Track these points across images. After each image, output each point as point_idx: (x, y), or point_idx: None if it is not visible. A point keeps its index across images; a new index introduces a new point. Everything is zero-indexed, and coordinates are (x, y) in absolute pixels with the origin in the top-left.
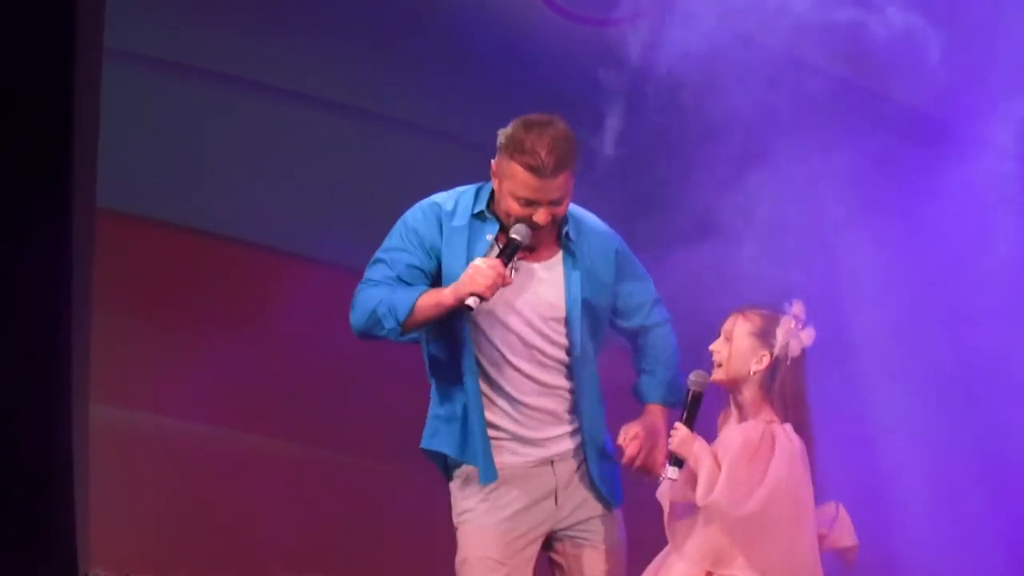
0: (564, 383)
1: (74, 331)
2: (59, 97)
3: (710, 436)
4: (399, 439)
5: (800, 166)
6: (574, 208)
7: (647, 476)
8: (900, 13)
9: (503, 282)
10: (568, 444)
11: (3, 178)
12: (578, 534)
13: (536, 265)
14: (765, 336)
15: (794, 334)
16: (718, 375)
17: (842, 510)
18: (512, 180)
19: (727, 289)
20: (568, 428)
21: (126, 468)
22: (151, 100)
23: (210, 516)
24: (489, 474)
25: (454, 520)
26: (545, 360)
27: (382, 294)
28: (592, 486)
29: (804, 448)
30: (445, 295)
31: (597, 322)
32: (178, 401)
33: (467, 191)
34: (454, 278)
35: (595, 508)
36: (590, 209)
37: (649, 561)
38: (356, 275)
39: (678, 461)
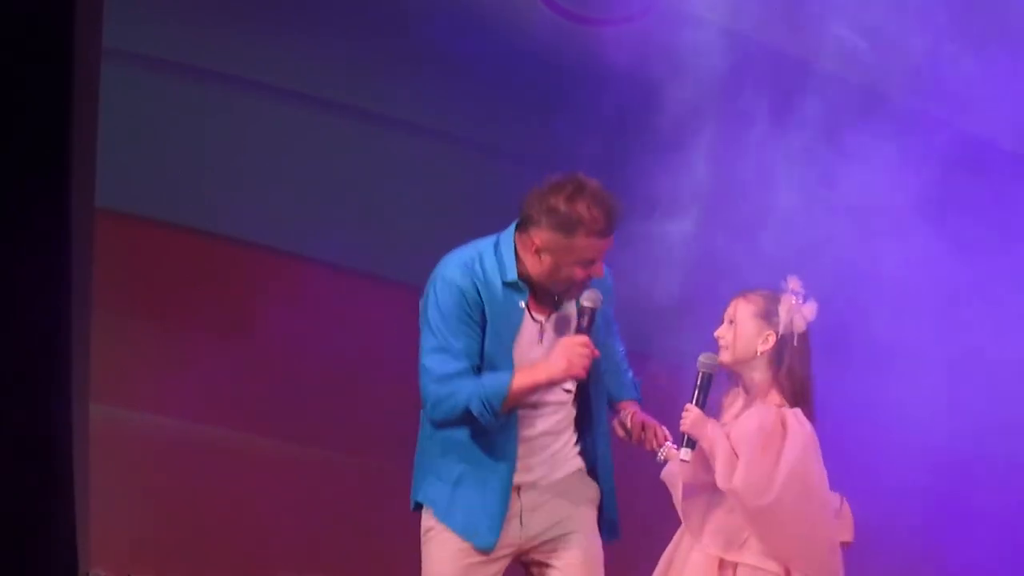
0: (565, 421)
1: (74, 331)
2: (58, 97)
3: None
4: (399, 439)
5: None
6: None
7: (654, 446)
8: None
9: (595, 356)
10: (539, 474)
11: (2, 178)
12: (549, 557)
13: (545, 320)
14: (768, 316)
15: (796, 309)
16: (725, 358)
17: (845, 504)
18: (575, 252)
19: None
20: (552, 462)
21: (126, 468)
22: (151, 100)
23: (210, 516)
24: (494, 541)
25: (421, 536)
26: (552, 405)
27: (469, 390)
28: (576, 505)
29: (814, 433)
30: (539, 379)
31: (604, 357)
32: (178, 401)
33: (486, 250)
34: (498, 351)
35: (570, 526)
36: None
37: (656, 554)
38: (357, 275)
39: (691, 442)
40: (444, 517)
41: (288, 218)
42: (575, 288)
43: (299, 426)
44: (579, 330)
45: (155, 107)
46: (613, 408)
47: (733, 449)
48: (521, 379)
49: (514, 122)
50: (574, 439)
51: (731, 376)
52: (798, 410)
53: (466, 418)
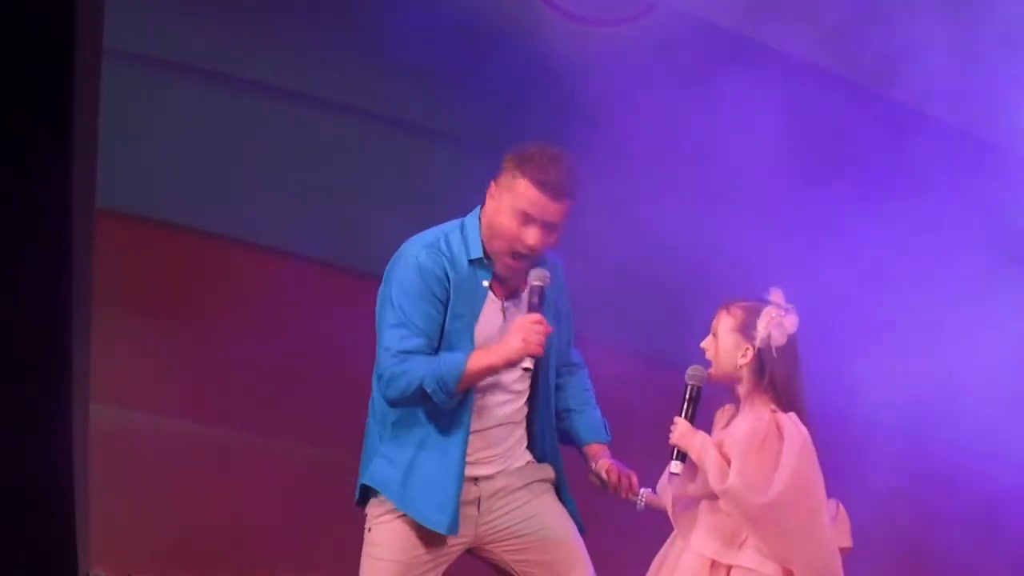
0: (523, 409)
1: (74, 331)
2: (59, 97)
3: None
4: None
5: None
6: None
7: (631, 495)
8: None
9: (549, 333)
10: (496, 467)
11: (2, 178)
12: (525, 553)
13: (507, 302)
14: (746, 329)
15: (776, 324)
16: (711, 372)
17: (841, 509)
18: (515, 193)
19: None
20: (505, 458)
21: (126, 468)
22: (151, 100)
23: (210, 516)
24: (454, 527)
25: (366, 525)
26: (510, 394)
27: (424, 369)
28: (531, 484)
29: (810, 437)
30: (494, 360)
31: (556, 346)
32: (178, 401)
33: (451, 231)
34: (459, 328)
35: (534, 505)
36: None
37: (649, 559)
38: (357, 275)
39: (680, 455)
40: (399, 501)
41: (289, 218)
42: (515, 265)
43: (300, 426)
44: (531, 308)
45: (155, 107)
46: (583, 453)
47: (724, 456)
48: (477, 359)
49: (518, 123)
50: (525, 432)
51: (725, 391)
52: (792, 414)
53: (420, 397)
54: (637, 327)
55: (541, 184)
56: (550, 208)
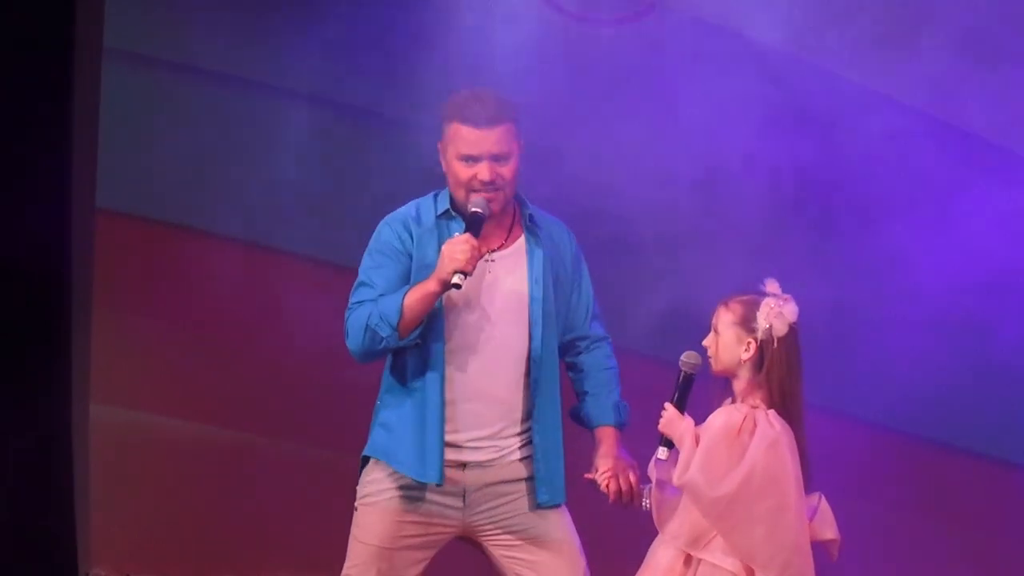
0: (517, 384)
1: (74, 331)
2: (59, 97)
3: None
4: None
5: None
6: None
7: (632, 502)
8: None
9: (479, 253)
10: (490, 455)
11: (3, 178)
12: (519, 538)
13: (495, 254)
14: (747, 323)
15: (775, 314)
16: (714, 367)
17: (823, 501)
18: (452, 141)
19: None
20: (501, 440)
21: (126, 468)
22: (151, 100)
23: (210, 516)
24: (439, 475)
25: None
26: (502, 359)
27: (369, 309)
28: (530, 492)
29: (791, 434)
30: (429, 283)
31: (560, 318)
32: (178, 401)
33: (425, 199)
34: (428, 273)
35: (527, 505)
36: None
37: (642, 555)
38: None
39: (667, 441)
40: (384, 455)
41: (288, 218)
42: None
43: (300, 426)
44: (465, 231)
45: (155, 107)
46: (593, 437)
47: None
48: (413, 288)
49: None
50: (524, 422)
51: (724, 384)
52: (772, 411)
53: (371, 339)
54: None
55: (468, 120)
56: (486, 139)
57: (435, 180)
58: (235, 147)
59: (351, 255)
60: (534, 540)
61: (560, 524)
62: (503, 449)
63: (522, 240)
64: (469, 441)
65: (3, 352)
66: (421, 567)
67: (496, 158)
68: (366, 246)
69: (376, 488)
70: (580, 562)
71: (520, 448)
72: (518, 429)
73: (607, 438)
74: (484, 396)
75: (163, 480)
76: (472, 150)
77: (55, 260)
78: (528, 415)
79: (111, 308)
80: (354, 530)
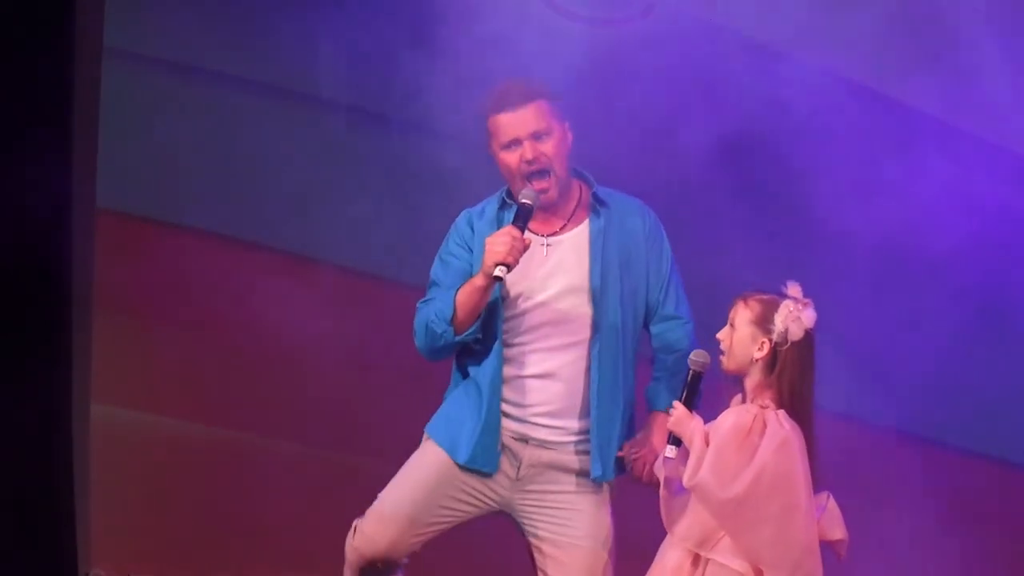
0: (579, 366)
1: (74, 331)
2: (59, 97)
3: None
4: (402, 439)
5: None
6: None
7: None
8: None
9: (522, 244)
10: (555, 436)
11: (3, 178)
12: (554, 529)
13: (554, 238)
14: (764, 323)
15: (793, 318)
16: (725, 363)
17: (831, 501)
18: (495, 135)
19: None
20: (564, 419)
21: (126, 468)
22: (151, 100)
23: (210, 516)
24: (474, 459)
25: None
26: (562, 339)
27: (431, 307)
28: (580, 478)
29: (800, 435)
30: (477, 277)
31: (634, 300)
32: (178, 401)
33: (493, 197)
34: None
35: (573, 501)
36: None
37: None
38: (358, 275)
39: (676, 440)
40: (433, 432)
41: (288, 218)
42: (537, 188)
43: (300, 426)
44: (513, 223)
45: (155, 107)
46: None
47: (707, 446)
48: (464, 285)
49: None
50: (587, 407)
51: (735, 381)
52: (782, 412)
53: (432, 336)
54: None
55: (499, 107)
56: (520, 120)
57: (437, 183)
58: (235, 147)
59: (352, 256)
60: (568, 536)
61: (599, 527)
62: (568, 433)
63: (586, 222)
64: (528, 415)
65: (3, 352)
66: (449, 521)
67: (535, 136)
68: (370, 249)
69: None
70: (605, 566)
71: (586, 441)
72: (584, 412)
73: (654, 425)
74: (543, 374)
75: (163, 480)
76: (510, 134)
77: (55, 260)
78: (591, 397)
79: (111, 308)
80: (410, 459)
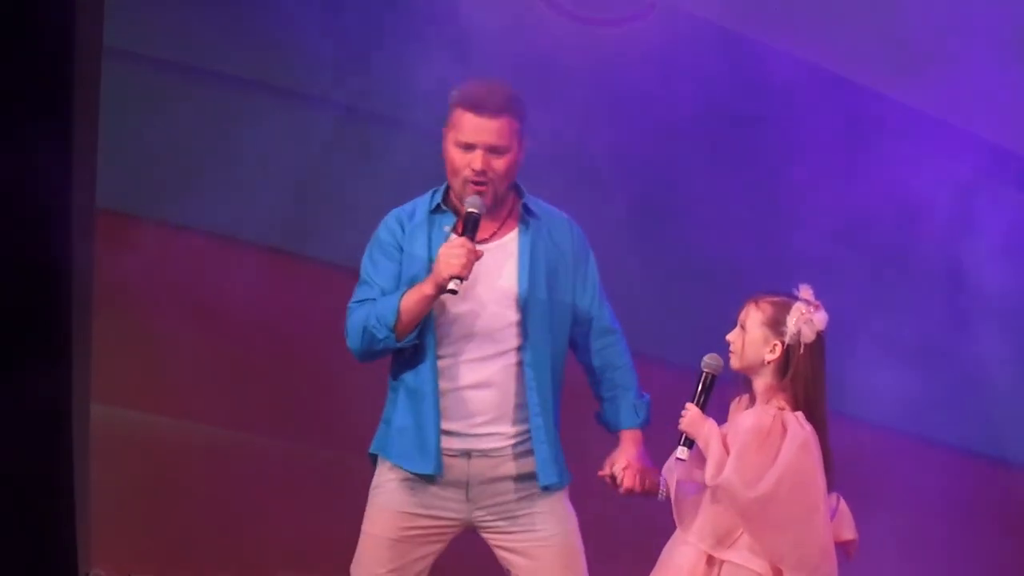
0: (510, 373)
1: (74, 330)
2: (59, 97)
3: (722, 421)
4: None
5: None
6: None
7: (646, 496)
8: None
9: (475, 256)
10: (495, 443)
11: (3, 178)
12: (519, 538)
13: (485, 245)
14: (776, 325)
15: (805, 320)
16: (734, 364)
17: (842, 502)
18: (454, 127)
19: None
20: (501, 426)
21: (126, 468)
22: (151, 100)
23: (210, 516)
24: (438, 467)
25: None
26: (492, 348)
27: (367, 309)
28: (526, 481)
29: (816, 436)
30: (425, 286)
31: (559, 309)
32: (178, 401)
33: (423, 196)
34: (415, 271)
35: (529, 505)
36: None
37: (656, 552)
38: (357, 275)
39: (688, 441)
40: (383, 451)
41: (288, 218)
42: (467, 193)
43: (300, 426)
44: (461, 234)
45: (155, 107)
46: (617, 439)
47: (726, 448)
48: (411, 291)
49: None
50: (523, 408)
51: (743, 382)
52: (800, 413)
53: (369, 339)
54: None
55: (471, 106)
56: (486, 128)
57: (436, 183)
58: (235, 147)
59: (352, 255)
60: (536, 540)
61: (562, 520)
62: (508, 438)
63: (515, 232)
64: (469, 428)
65: (3, 352)
66: (429, 561)
67: (492, 149)
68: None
69: (381, 480)
70: (580, 564)
71: (526, 443)
72: (518, 417)
73: (628, 441)
74: (478, 384)
75: (163, 480)
76: (469, 137)
77: (55, 260)
78: (526, 404)
79: (111, 308)
80: (364, 523)
